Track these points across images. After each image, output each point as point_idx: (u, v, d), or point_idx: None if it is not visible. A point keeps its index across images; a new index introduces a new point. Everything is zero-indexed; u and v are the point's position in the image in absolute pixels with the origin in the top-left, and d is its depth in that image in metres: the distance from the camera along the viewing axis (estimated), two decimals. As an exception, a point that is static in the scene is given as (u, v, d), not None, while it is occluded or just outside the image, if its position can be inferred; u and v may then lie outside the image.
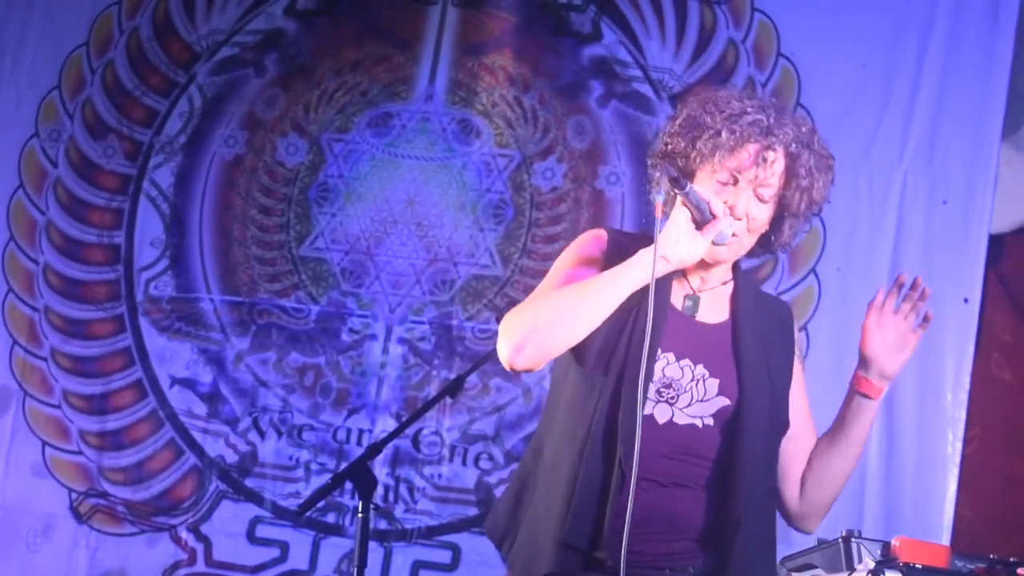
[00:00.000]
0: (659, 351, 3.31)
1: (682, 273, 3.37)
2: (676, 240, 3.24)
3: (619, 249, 3.40)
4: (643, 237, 3.43)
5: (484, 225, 6.07)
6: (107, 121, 6.52)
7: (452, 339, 6.00)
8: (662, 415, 3.34)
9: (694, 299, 3.42)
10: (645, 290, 3.21)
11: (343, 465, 5.74)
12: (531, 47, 6.20)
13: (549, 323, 3.28)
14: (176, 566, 6.05)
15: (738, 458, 3.32)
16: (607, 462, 3.30)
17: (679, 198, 3.25)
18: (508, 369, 3.34)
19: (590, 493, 3.30)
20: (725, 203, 3.27)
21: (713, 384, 3.35)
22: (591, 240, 3.49)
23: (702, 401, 3.35)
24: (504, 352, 3.30)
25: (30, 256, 6.45)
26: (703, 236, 3.24)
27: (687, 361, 3.35)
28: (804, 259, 5.68)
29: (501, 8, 6.24)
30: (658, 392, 3.33)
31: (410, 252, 6.11)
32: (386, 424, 5.93)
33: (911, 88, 5.73)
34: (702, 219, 3.24)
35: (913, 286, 3.51)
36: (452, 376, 5.68)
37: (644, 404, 3.22)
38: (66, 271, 6.41)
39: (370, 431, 5.97)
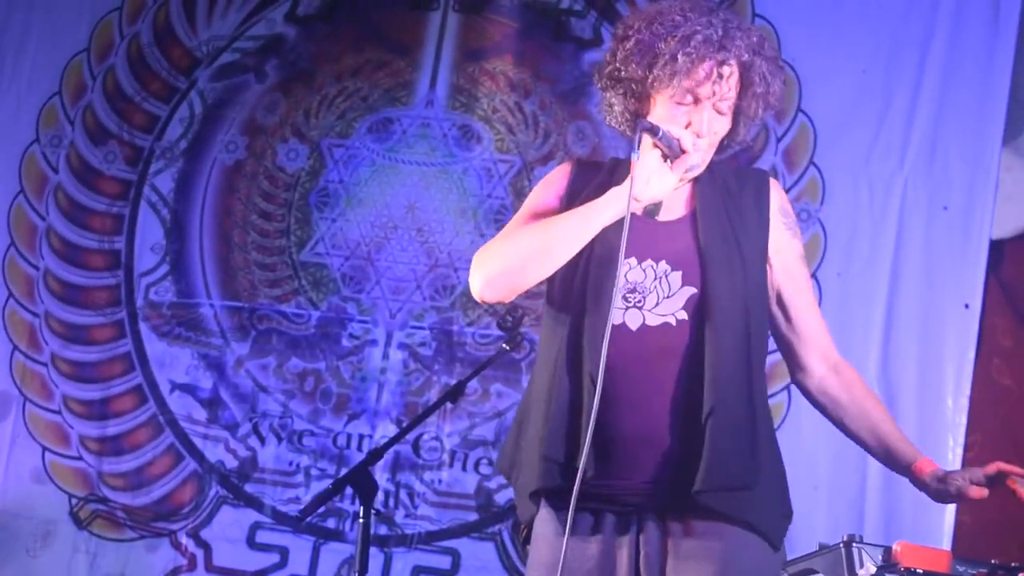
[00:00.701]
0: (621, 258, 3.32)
1: None
2: (647, 181, 3.29)
3: (583, 179, 3.49)
4: (609, 164, 3.55)
5: (485, 231, 6.06)
6: (108, 127, 6.52)
7: (453, 345, 6.00)
8: (633, 321, 3.35)
9: (655, 203, 3.44)
10: None
11: (343, 471, 5.75)
12: (532, 52, 6.20)
13: (520, 260, 3.34)
14: (176, 571, 6.04)
15: (707, 343, 3.30)
16: (576, 375, 3.33)
17: (648, 140, 3.29)
18: (479, 301, 3.41)
19: (561, 407, 3.33)
20: (688, 124, 3.32)
21: (676, 277, 3.36)
22: (556, 174, 3.57)
23: (668, 297, 3.35)
24: (475, 286, 3.37)
25: (30, 261, 6.45)
26: (674, 171, 3.32)
27: (649, 262, 3.37)
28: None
29: (502, 13, 6.24)
30: (624, 298, 3.35)
31: (411, 258, 6.11)
32: (386, 430, 5.93)
33: (911, 94, 5.73)
34: (672, 155, 3.30)
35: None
36: (452, 381, 5.70)
37: (612, 315, 3.24)
38: (66, 276, 6.41)
39: (370, 436, 5.97)
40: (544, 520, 3.43)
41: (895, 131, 5.73)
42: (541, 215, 3.46)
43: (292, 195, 6.29)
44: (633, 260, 3.37)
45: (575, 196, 3.46)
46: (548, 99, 6.14)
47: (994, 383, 5.57)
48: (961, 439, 5.39)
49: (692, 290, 3.35)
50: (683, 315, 3.34)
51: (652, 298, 3.35)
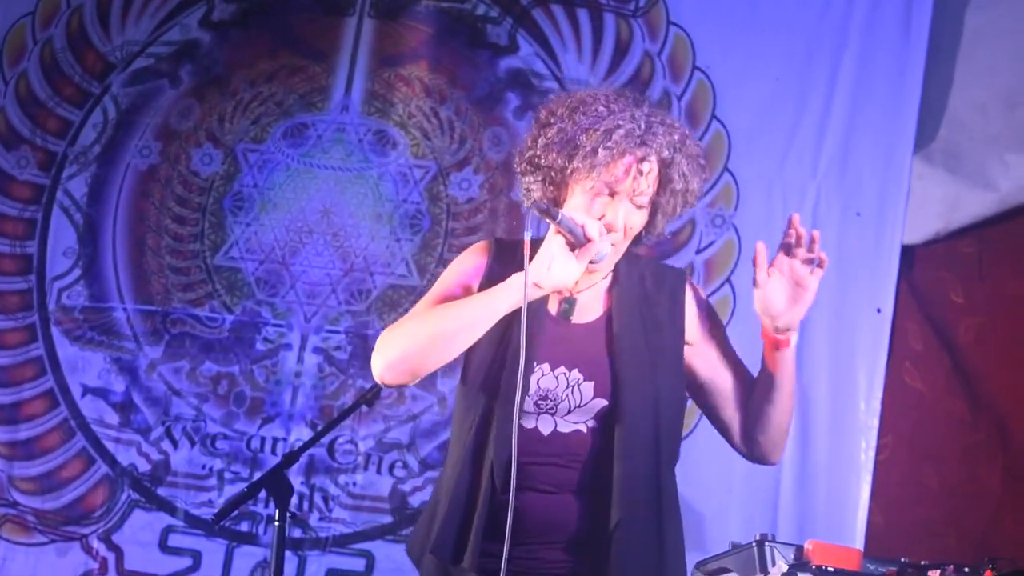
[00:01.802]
0: (535, 363, 3.34)
1: None
2: (549, 266, 3.27)
3: (500, 261, 3.47)
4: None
5: (400, 235, 6.06)
6: (20, 132, 6.45)
7: (368, 348, 5.95)
8: (546, 427, 3.37)
9: (570, 302, 3.45)
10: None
11: (257, 474, 5.73)
12: (447, 59, 6.20)
13: (420, 346, 3.32)
14: (87, 575, 5.98)
15: (614, 457, 3.33)
16: (476, 475, 3.34)
17: (552, 227, 3.29)
18: (379, 383, 3.40)
19: (457, 506, 3.34)
20: (602, 217, 3.32)
21: (588, 387, 3.38)
22: (470, 259, 3.54)
23: (580, 407, 3.38)
24: (376, 368, 3.36)
25: (-58, 266, 6.39)
26: (579, 260, 3.29)
27: (562, 369, 3.38)
28: (719, 270, 5.72)
29: (417, 20, 6.23)
30: (536, 405, 3.36)
31: (326, 262, 6.09)
32: (301, 433, 5.91)
33: (824, 102, 5.78)
34: (577, 243, 3.28)
35: (810, 238, 3.48)
36: (368, 385, 5.67)
37: (521, 416, 3.25)
38: (-23, 281, 6.35)
39: (285, 440, 5.94)
40: None
41: (808, 138, 5.78)
42: (450, 299, 3.44)
43: (206, 199, 6.25)
44: (546, 366, 3.38)
45: (489, 281, 3.44)
46: (464, 105, 6.15)
47: (905, 386, 5.63)
48: (873, 441, 5.44)
49: (603, 402, 3.37)
50: (593, 423, 3.37)
51: (564, 406, 3.37)
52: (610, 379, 3.37)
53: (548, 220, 3.28)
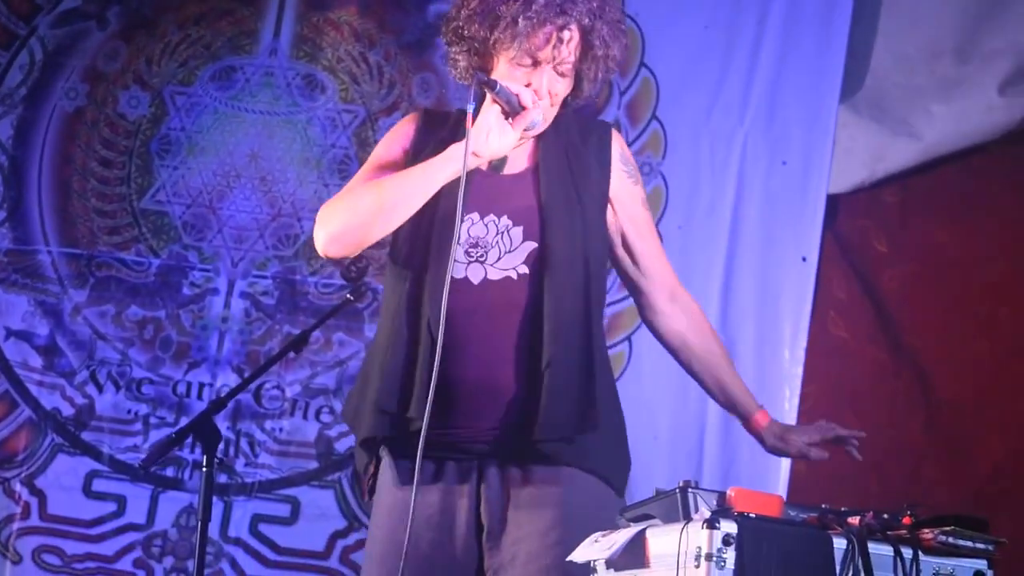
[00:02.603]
0: (464, 213, 3.37)
1: None
2: (487, 136, 3.35)
3: (429, 131, 3.56)
4: (455, 116, 3.59)
5: (329, 180, 6.04)
6: (-56, 73, 6.39)
7: (296, 294, 5.97)
8: (476, 275, 3.41)
9: (498, 158, 3.49)
10: None
11: (183, 419, 5.77)
12: (376, 3, 6.19)
13: (363, 217, 3.40)
14: (9, 520, 5.92)
15: (546, 296, 3.38)
16: (414, 327, 3.39)
17: (489, 96, 3.36)
18: (323, 256, 3.47)
19: (397, 359, 3.38)
20: (529, 84, 3.39)
21: (518, 232, 3.43)
22: (401, 128, 3.62)
23: (510, 252, 3.43)
24: (319, 242, 3.43)
25: None
26: (514, 127, 3.38)
27: (491, 217, 3.44)
28: (648, 214, 5.73)
29: (347, -36, 6.22)
30: (467, 253, 3.42)
31: (253, 207, 6.07)
32: (227, 378, 5.91)
33: (752, 51, 5.81)
34: (512, 111, 3.37)
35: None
36: (295, 331, 5.70)
37: (453, 267, 3.33)
38: (-101, 225, 6.28)
39: (211, 385, 5.93)
40: (384, 469, 3.48)
41: (736, 87, 5.81)
42: (385, 169, 3.51)
43: (133, 143, 6.21)
44: (476, 215, 3.43)
45: (421, 149, 3.51)
46: (393, 50, 6.13)
47: (829, 335, 5.68)
48: (797, 390, 5.49)
49: (532, 245, 3.42)
50: (524, 269, 3.41)
51: (494, 252, 3.42)
52: (539, 222, 3.43)
53: (487, 90, 3.36)
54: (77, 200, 6.19)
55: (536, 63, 3.40)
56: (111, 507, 5.91)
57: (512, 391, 3.39)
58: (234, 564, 5.79)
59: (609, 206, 3.60)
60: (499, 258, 3.42)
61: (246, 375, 5.79)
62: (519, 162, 3.53)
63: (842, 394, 5.63)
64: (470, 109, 3.35)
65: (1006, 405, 5.44)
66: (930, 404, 5.56)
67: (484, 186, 3.45)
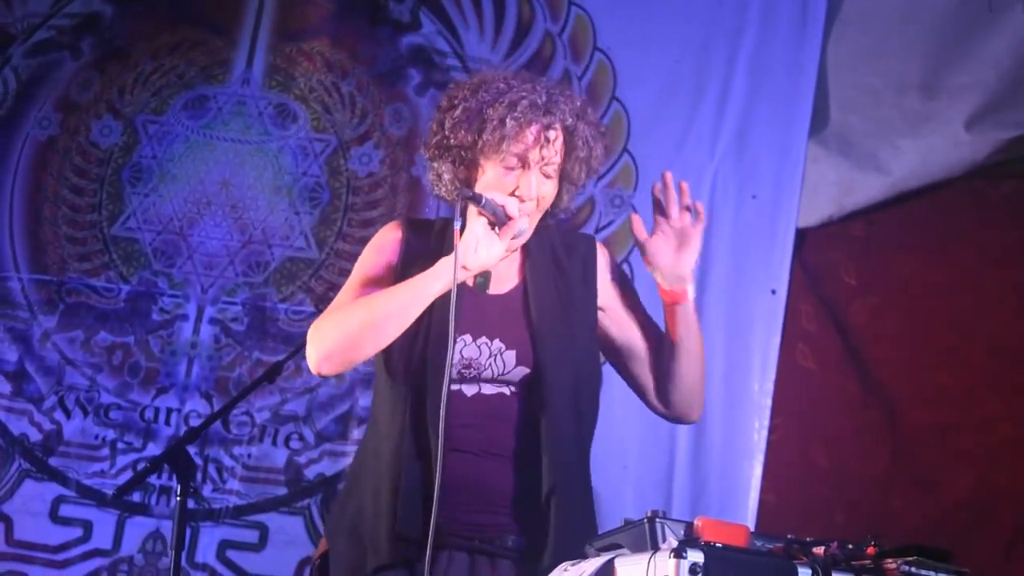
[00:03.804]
0: (456, 335, 3.39)
1: None
2: (475, 249, 3.38)
3: (416, 238, 3.60)
4: (438, 226, 3.64)
5: (300, 208, 6.06)
6: (-82, 102, 6.40)
7: (265, 320, 5.97)
8: (470, 389, 3.46)
9: (484, 275, 3.53)
10: None
11: (150, 444, 5.80)
12: (349, 35, 6.22)
13: (354, 336, 3.42)
14: (-25, 545, 5.94)
15: (542, 421, 3.43)
16: (422, 449, 3.40)
17: (474, 209, 3.40)
18: (316, 374, 3.52)
19: (413, 490, 3.40)
20: (517, 188, 3.43)
21: (511, 356, 3.48)
22: (387, 239, 3.64)
23: (503, 375, 3.47)
24: (313, 360, 3.45)
25: None
26: (501, 238, 3.40)
27: (483, 339, 3.48)
28: (618, 249, 5.73)
29: (320, -4, 6.25)
30: (460, 373, 3.45)
31: (224, 233, 6.08)
32: (195, 404, 5.90)
33: (723, 86, 5.85)
34: (499, 222, 3.40)
35: (679, 190, 3.64)
36: (264, 357, 5.72)
37: (449, 384, 3.31)
38: None
39: (179, 411, 5.92)
40: None
41: (706, 121, 5.84)
42: (373, 283, 3.55)
43: (105, 170, 6.22)
44: (468, 337, 3.46)
45: (408, 261, 3.55)
46: (365, 80, 6.16)
47: (798, 366, 5.70)
48: (766, 421, 5.49)
49: (525, 370, 3.47)
50: (516, 389, 3.48)
51: (487, 374, 3.47)
52: (531, 347, 3.47)
53: (473, 204, 3.39)
54: (48, 227, 6.19)
55: (524, 164, 3.44)
56: (77, 532, 5.88)
57: (512, 510, 3.46)
58: (202, 591, 5.79)
59: (600, 313, 3.65)
60: (492, 379, 3.48)
61: (215, 401, 5.82)
62: (507, 280, 3.58)
63: (810, 425, 5.65)
64: (457, 225, 3.37)
65: (972, 436, 5.48)
66: (897, 435, 5.58)
67: (474, 307, 3.49)
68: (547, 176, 3.47)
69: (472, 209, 3.42)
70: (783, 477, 5.52)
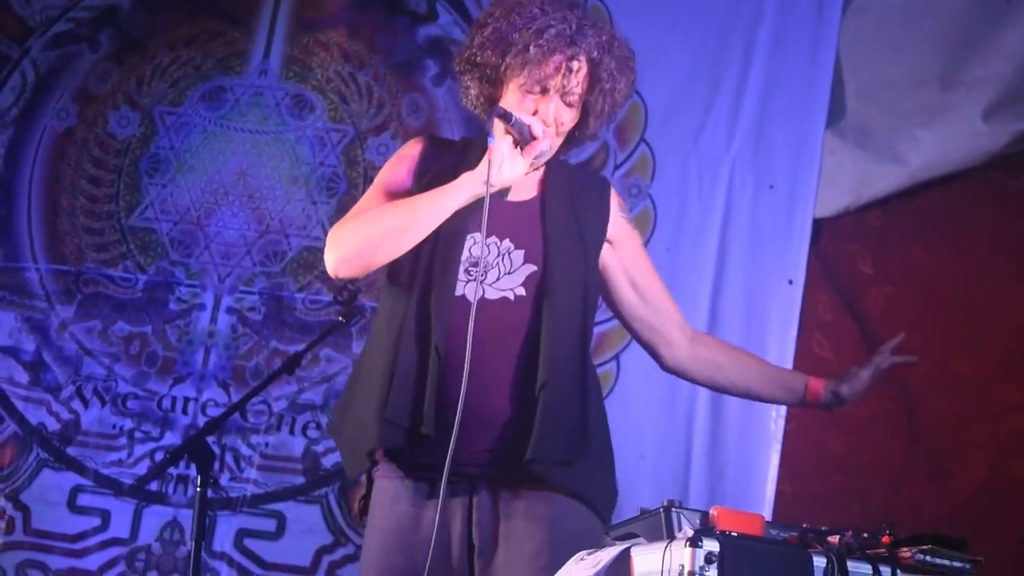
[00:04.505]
0: (467, 233, 3.47)
1: None
2: (499, 166, 3.41)
3: (435, 157, 3.63)
4: (460, 144, 3.70)
5: (317, 198, 6.08)
6: (-63, 95, 6.43)
7: (283, 309, 5.99)
8: (472, 294, 3.44)
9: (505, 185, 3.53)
10: None
11: (167, 433, 5.84)
12: (366, 25, 6.23)
13: (375, 240, 3.44)
14: (-7, 534, 5.97)
15: (544, 319, 3.43)
16: (422, 344, 3.43)
17: (502, 125, 3.43)
18: (333, 276, 3.53)
19: (407, 374, 3.42)
20: (536, 112, 3.47)
21: (519, 255, 3.50)
22: (408, 151, 3.68)
23: (509, 273, 3.49)
24: (330, 263, 3.49)
25: None
26: (525, 157, 3.45)
27: (493, 238, 3.50)
28: (634, 239, 5.75)
29: (337, -13, 6.26)
30: (466, 271, 3.47)
31: (241, 224, 6.10)
32: (212, 393, 5.92)
33: (740, 76, 5.84)
34: (523, 141, 3.44)
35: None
36: (282, 346, 5.73)
37: (455, 286, 3.42)
38: None
39: (196, 400, 5.94)
40: (381, 490, 3.51)
41: (723, 112, 5.84)
42: (394, 192, 3.57)
43: (122, 161, 6.24)
44: (477, 235, 3.46)
45: (426, 174, 3.58)
46: (382, 70, 6.18)
47: (815, 356, 5.69)
48: (783, 410, 5.50)
49: (532, 268, 3.48)
50: (521, 291, 3.47)
51: (493, 273, 3.48)
52: (542, 247, 3.50)
53: (503, 122, 3.42)
54: (66, 218, 6.22)
55: (545, 91, 3.48)
56: (95, 522, 5.90)
57: (506, 414, 3.43)
58: (218, 579, 5.81)
59: (608, 247, 3.67)
60: (497, 278, 3.48)
61: (232, 390, 5.84)
62: (524, 191, 3.59)
63: (827, 415, 5.63)
64: (490, 142, 3.40)
65: (988, 425, 5.48)
66: (913, 424, 5.58)
67: (490, 209, 3.46)
68: (568, 105, 3.51)
69: (499, 126, 3.44)
70: (799, 467, 5.52)
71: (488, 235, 3.46)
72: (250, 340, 5.98)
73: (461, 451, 3.37)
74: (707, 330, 5.60)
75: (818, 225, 5.71)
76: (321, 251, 5.90)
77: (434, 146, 3.69)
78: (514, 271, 3.48)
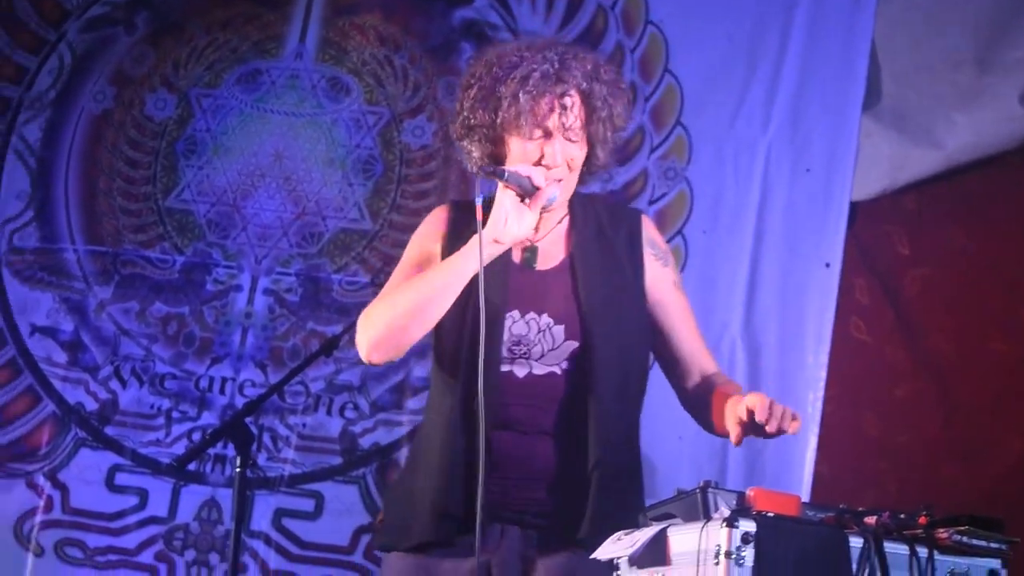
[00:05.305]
0: (505, 312, 3.46)
1: None
2: (505, 222, 3.39)
3: (460, 221, 3.61)
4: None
5: (353, 180, 6.08)
6: (-24, 79, 6.46)
7: (319, 290, 6.00)
8: (521, 370, 3.48)
9: (531, 250, 3.57)
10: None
11: (204, 413, 5.86)
12: (402, 8, 6.24)
13: (400, 320, 3.46)
14: (32, 512, 5.95)
15: (589, 398, 3.45)
16: (470, 434, 3.42)
17: (500, 184, 3.41)
18: (367, 363, 3.56)
19: (456, 465, 3.44)
20: (542, 157, 3.44)
21: (559, 331, 3.49)
22: (432, 222, 3.68)
23: (553, 350, 3.49)
24: (363, 349, 3.52)
25: None
26: (532, 209, 3.42)
27: (532, 314, 3.50)
28: (671, 221, 5.75)
29: (372, -30, 6.27)
30: (510, 351, 3.47)
31: (278, 205, 6.11)
32: (249, 373, 5.94)
33: (775, 60, 5.82)
34: (526, 193, 3.41)
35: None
36: (319, 327, 5.77)
37: (499, 363, 3.41)
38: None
39: (233, 380, 5.96)
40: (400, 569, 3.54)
41: (759, 95, 5.82)
42: (422, 266, 3.58)
43: (159, 143, 6.26)
44: (516, 313, 3.49)
45: (455, 242, 3.55)
46: (418, 53, 6.18)
47: (852, 339, 5.69)
48: (820, 393, 5.47)
49: (574, 344, 3.48)
50: (567, 365, 3.48)
51: (537, 350, 3.48)
52: (579, 321, 3.48)
53: (495, 180, 3.41)
54: (103, 199, 6.24)
55: (547, 134, 3.46)
56: (133, 500, 5.93)
57: (557, 487, 3.47)
58: (256, 558, 5.80)
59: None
60: (542, 355, 3.49)
61: (269, 370, 5.86)
62: (553, 256, 3.59)
63: (862, 397, 5.66)
64: (478, 202, 3.38)
65: (1023, 406, 5.47)
66: (948, 405, 5.58)
67: (521, 282, 3.52)
68: (571, 141, 3.49)
69: (500, 184, 3.43)
70: (836, 449, 5.52)
71: (527, 311, 3.49)
72: (287, 321, 6.00)
73: (501, 496, 3.44)
74: (744, 312, 5.62)
75: (854, 208, 5.69)
76: (358, 233, 5.99)
77: (458, 211, 3.68)
78: (557, 348, 3.49)
